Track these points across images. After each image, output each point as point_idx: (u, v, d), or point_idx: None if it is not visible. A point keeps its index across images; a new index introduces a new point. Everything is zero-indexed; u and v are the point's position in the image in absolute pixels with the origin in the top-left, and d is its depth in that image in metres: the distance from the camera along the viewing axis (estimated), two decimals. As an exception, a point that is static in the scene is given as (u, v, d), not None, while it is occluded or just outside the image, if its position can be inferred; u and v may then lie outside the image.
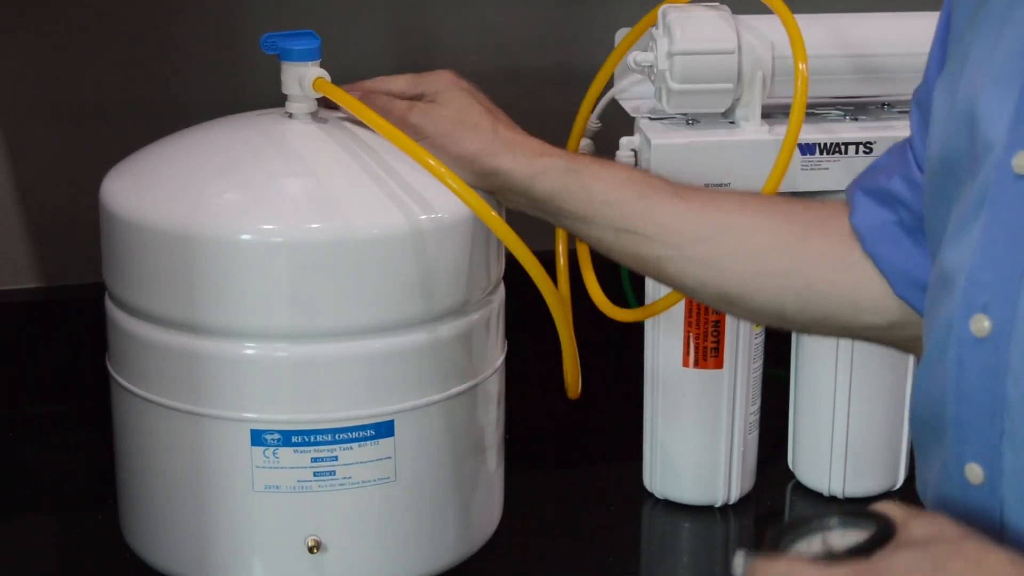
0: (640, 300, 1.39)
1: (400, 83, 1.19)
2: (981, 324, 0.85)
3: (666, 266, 1.11)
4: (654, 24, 1.31)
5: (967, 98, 0.89)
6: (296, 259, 1.10)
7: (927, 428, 0.91)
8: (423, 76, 1.19)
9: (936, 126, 0.94)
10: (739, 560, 0.84)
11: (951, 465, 0.88)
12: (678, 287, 1.13)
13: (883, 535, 0.81)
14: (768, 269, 1.08)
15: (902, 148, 1.07)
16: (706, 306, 1.33)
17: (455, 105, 1.15)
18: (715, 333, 1.34)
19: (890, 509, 0.84)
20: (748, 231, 1.09)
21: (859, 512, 0.84)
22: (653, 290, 1.34)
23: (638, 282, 1.36)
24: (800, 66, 1.24)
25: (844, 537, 0.83)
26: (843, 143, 1.31)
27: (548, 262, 1.12)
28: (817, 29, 1.32)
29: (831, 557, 0.81)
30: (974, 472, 0.86)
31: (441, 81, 1.18)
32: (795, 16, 1.30)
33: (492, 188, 1.14)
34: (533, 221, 1.35)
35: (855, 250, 1.06)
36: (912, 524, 0.82)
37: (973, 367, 0.85)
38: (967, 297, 0.86)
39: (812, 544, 0.84)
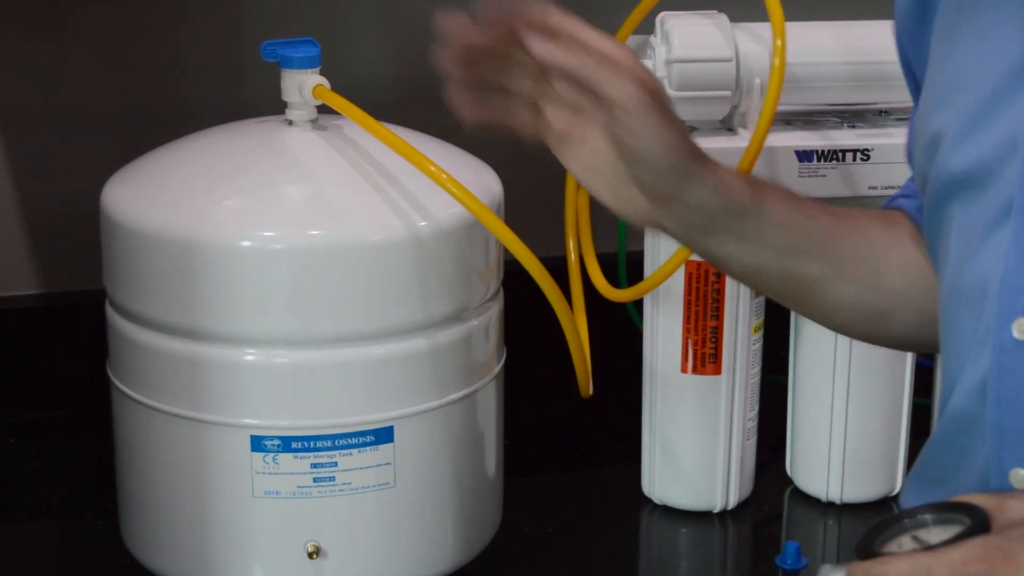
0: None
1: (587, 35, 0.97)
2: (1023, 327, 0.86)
3: (817, 288, 1.05)
4: (636, 27, 1.32)
5: (968, 116, 0.89)
6: (296, 265, 1.11)
7: (953, 446, 0.91)
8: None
9: (934, 145, 0.94)
10: (826, 571, 0.83)
11: (992, 474, 0.87)
12: (829, 312, 1.07)
13: (979, 524, 0.80)
14: (919, 285, 1.05)
15: None
16: (702, 314, 1.33)
17: (651, 85, 0.96)
18: (713, 339, 1.33)
19: (977, 499, 0.83)
20: (893, 247, 1.07)
21: (947, 505, 0.83)
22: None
23: (634, 280, 1.35)
24: (778, 43, 1.24)
25: (938, 532, 0.82)
26: (841, 150, 1.32)
27: (548, 268, 1.11)
28: (816, 36, 1.33)
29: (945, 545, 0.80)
30: (1019, 477, 0.86)
31: (625, 49, 0.99)
32: (795, 23, 1.30)
33: (667, 192, 0.98)
34: (534, 226, 1.34)
35: None
36: (1008, 506, 0.81)
37: (1015, 371, 0.86)
38: (1006, 303, 0.86)
39: (903, 543, 0.83)
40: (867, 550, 0.82)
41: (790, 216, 1.03)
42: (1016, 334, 0.85)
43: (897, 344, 1.11)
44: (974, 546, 0.78)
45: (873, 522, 0.84)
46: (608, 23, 1.34)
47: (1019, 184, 0.86)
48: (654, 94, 0.94)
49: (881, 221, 1.09)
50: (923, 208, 0.98)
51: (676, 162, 0.96)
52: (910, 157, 1.06)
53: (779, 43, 1.25)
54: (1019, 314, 0.85)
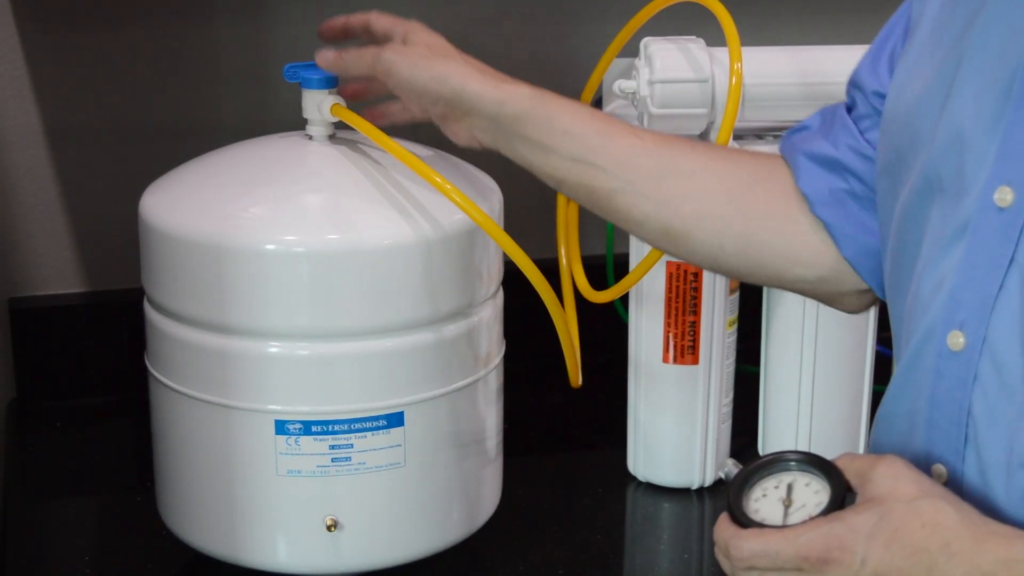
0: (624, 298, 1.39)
1: (383, 22, 1.17)
2: (957, 339, 0.85)
3: (616, 199, 1.08)
4: (619, 51, 1.32)
5: (955, 128, 0.88)
6: (315, 267, 1.11)
7: (896, 432, 0.92)
8: (400, 21, 1.16)
9: (921, 141, 0.92)
10: (729, 463, 0.86)
11: (920, 464, 0.88)
12: (624, 220, 1.09)
13: (837, 499, 0.83)
14: (712, 211, 1.06)
15: (842, 117, 1.05)
16: (681, 310, 1.34)
17: (426, 41, 1.13)
18: (691, 333, 1.34)
19: (848, 464, 0.85)
20: (698, 174, 1.07)
21: (816, 461, 0.85)
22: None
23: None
24: (736, 65, 1.24)
25: (801, 484, 0.85)
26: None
27: (543, 269, 1.12)
28: (779, 60, 1.32)
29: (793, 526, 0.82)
30: (939, 471, 0.87)
31: (413, 27, 1.15)
32: (758, 48, 1.31)
33: (462, 111, 1.10)
34: (529, 231, 1.35)
35: (795, 208, 1.05)
36: (872, 479, 0.83)
37: (947, 377, 0.86)
38: (948, 314, 0.86)
39: (780, 483, 0.85)
40: (736, 500, 0.85)
41: (579, 128, 1.07)
42: (950, 344, 0.86)
43: (697, 262, 1.10)
44: (819, 535, 0.81)
45: (749, 465, 0.86)
46: (600, 46, 1.36)
47: (977, 208, 0.85)
48: (412, 50, 1.11)
49: (712, 151, 1.09)
50: (883, 196, 0.97)
51: (445, 88, 1.08)
52: (853, 84, 1.04)
53: (735, 48, 1.25)
54: (955, 326, 0.85)
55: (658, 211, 1.07)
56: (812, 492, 0.84)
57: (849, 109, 1.06)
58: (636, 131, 1.09)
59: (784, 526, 0.83)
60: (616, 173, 1.07)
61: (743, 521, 0.85)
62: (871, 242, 1.01)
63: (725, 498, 0.87)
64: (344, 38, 1.20)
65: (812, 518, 0.82)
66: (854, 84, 1.05)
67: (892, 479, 0.82)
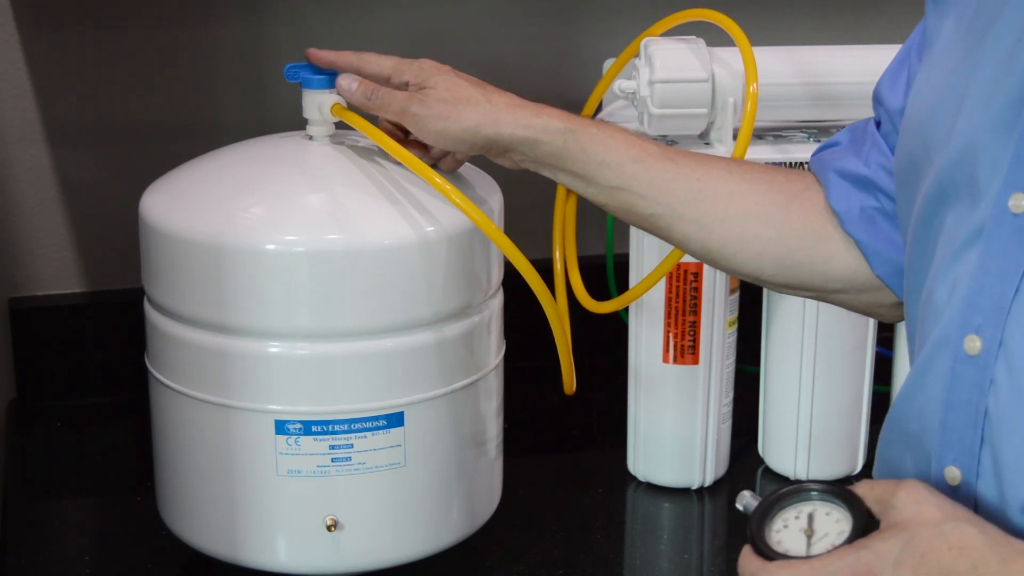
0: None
1: (387, 64, 1.15)
2: (974, 343, 0.85)
3: (656, 221, 1.10)
4: (636, 55, 1.32)
5: (968, 135, 0.88)
6: (315, 267, 1.11)
7: (906, 434, 0.91)
8: (408, 64, 1.15)
9: (935, 150, 0.92)
10: (746, 496, 0.85)
11: (933, 467, 0.88)
12: (667, 240, 1.12)
13: (860, 528, 0.82)
14: (750, 234, 1.07)
15: (873, 134, 1.06)
16: (681, 310, 1.34)
17: (444, 86, 1.12)
18: (691, 333, 1.34)
19: (868, 491, 0.84)
20: (735, 196, 1.08)
21: (837, 492, 0.85)
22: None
23: (622, 286, 1.36)
24: (751, 88, 1.24)
25: (822, 513, 0.84)
26: (806, 163, 1.30)
27: (542, 270, 1.12)
28: (779, 60, 1.32)
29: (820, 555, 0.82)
30: (952, 474, 0.87)
31: (424, 69, 1.14)
32: (759, 47, 1.30)
33: (497, 152, 1.12)
34: (530, 232, 1.35)
35: (830, 226, 1.06)
36: (895, 505, 0.82)
37: (963, 380, 0.86)
38: (964, 318, 0.86)
39: (800, 513, 0.84)
40: (759, 532, 0.84)
41: (614, 159, 1.09)
42: (967, 348, 0.86)
43: (742, 278, 1.12)
44: (846, 564, 0.80)
45: (775, 494, 0.86)
46: (596, 48, 1.36)
47: (992, 214, 0.85)
48: (436, 102, 1.10)
49: (748, 172, 1.09)
50: (901, 205, 0.97)
51: (477, 139, 1.10)
52: (877, 100, 1.05)
53: (752, 71, 1.25)
54: (971, 330, 0.86)
55: (698, 233, 1.09)
56: (833, 521, 0.84)
57: (878, 124, 1.07)
58: (671, 155, 1.10)
59: (810, 556, 0.82)
60: (654, 198, 1.09)
61: (768, 554, 0.84)
62: (902, 259, 1.02)
63: (747, 530, 0.86)
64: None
65: (836, 547, 0.82)
66: (877, 100, 1.06)
67: (915, 504, 0.82)
